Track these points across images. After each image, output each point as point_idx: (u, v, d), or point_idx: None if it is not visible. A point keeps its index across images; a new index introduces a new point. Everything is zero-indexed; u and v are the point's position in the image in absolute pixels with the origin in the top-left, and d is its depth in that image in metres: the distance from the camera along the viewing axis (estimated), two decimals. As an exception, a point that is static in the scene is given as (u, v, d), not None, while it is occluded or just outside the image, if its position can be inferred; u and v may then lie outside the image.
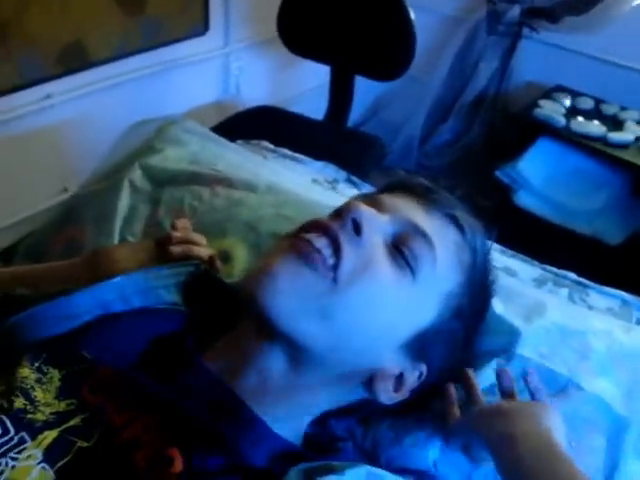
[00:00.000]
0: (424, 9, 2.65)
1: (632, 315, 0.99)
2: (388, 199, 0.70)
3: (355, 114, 2.88)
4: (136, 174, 0.96)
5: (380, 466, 0.62)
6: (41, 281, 0.78)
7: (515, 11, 2.58)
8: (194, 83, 2.15)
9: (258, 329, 0.62)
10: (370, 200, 0.69)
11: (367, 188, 1.17)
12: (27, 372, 0.60)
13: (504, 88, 2.76)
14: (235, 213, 0.89)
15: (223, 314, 0.73)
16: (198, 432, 0.56)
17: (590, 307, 0.99)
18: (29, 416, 0.56)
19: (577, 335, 0.84)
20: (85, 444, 0.55)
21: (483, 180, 2.45)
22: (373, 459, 0.72)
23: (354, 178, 1.20)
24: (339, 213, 0.65)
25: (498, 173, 2.43)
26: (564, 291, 1.02)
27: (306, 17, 1.99)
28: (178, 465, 0.54)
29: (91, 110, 1.82)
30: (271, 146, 1.24)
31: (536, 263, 1.08)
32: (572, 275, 1.05)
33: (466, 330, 0.71)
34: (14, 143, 1.68)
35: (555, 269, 1.06)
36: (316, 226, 0.64)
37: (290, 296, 0.60)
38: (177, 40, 2.00)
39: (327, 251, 0.61)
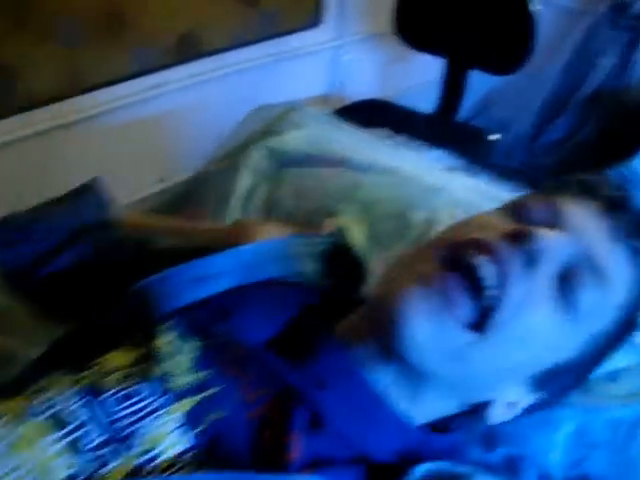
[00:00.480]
0: (544, 1, 2.62)
1: None
2: (570, 210, 0.63)
3: (465, 109, 2.87)
4: (257, 155, 0.99)
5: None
6: (183, 236, 0.82)
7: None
8: (303, 75, 2.19)
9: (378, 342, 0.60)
10: (547, 205, 0.63)
11: (485, 177, 1.17)
12: (167, 339, 0.61)
13: (623, 84, 2.67)
14: (354, 193, 0.91)
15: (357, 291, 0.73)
16: (323, 422, 0.56)
17: None
18: (170, 383, 0.57)
19: None
20: (218, 415, 0.56)
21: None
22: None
23: (472, 166, 1.19)
24: (516, 236, 0.57)
25: (611, 172, 2.36)
26: None
27: (424, 10, 2.00)
28: (296, 451, 0.54)
29: (198, 100, 1.88)
30: (388, 133, 1.25)
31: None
32: None
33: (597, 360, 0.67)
34: (117, 132, 1.74)
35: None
36: (481, 247, 0.57)
37: (426, 339, 0.56)
38: (290, 32, 2.04)
39: (493, 280, 0.56)
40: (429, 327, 0.55)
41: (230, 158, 1.03)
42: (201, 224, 0.87)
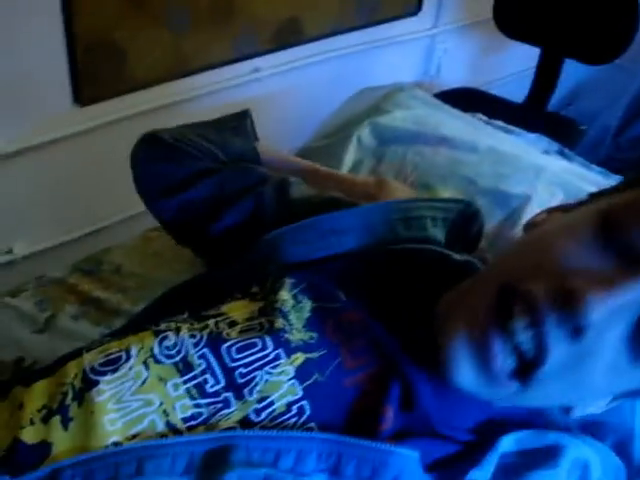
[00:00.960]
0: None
1: None
2: None
3: (554, 99, 2.87)
4: (364, 131, 1.08)
5: None
6: (322, 181, 0.88)
7: None
8: (398, 62, 2.25)
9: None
10: (637, 214, 0.52)
11: (579, 161, 1.22)
12: (287, 296, 0.63)
13: None
14: (456, 170, 0.99)
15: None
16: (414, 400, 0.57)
17: None
18: (286, 336, 0.59)
19: None
20: (320, 378, 0.57)
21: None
22: None
23: (566, 151, 1.24)
24: (563, 300, 0.49)
25: None
26: None
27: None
28: (387, 423, 0.55)
29: (297, 85, 1.96)
30: (485, 118, 1.32)
31: None
32: None
33: None
34: (217, 113, 1.84)
35: None
36: (523, 308, 0.51)
37: (473, 385, 0.55)
38: (389, 19, 2.11)
39: (529, 350, 0.51)
40: (474, 376, 0.54)
41: (336, 134, 1.12)
42: (339, 176, 0.94)
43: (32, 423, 0.54)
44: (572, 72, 2.62)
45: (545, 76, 2.15)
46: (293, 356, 0.58)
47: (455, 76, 2.35)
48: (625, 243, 0.51)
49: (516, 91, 2.22)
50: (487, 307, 0.52)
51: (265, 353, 0.58)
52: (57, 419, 0.54)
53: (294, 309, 0.62)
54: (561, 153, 1.24)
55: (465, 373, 0.53)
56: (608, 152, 2.90)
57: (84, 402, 0.54)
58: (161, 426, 0.53)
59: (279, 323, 0.60)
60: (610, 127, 2.87)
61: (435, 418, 0.58)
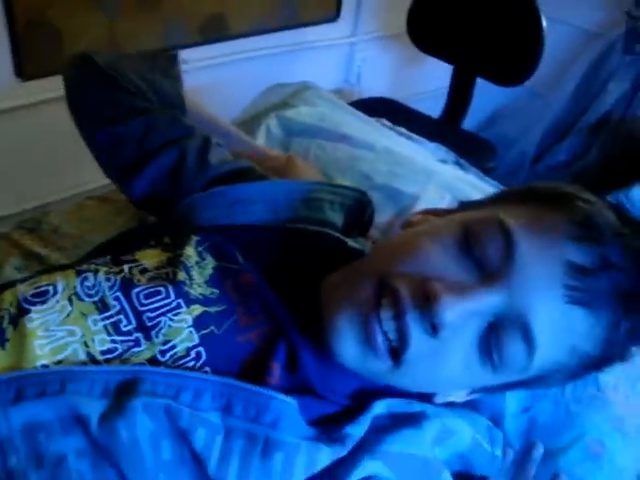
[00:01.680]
0: (558, 20, 2.74)
1: None
2: (527, 244, 0.60)
3: (472, 122, 3.01)
4: (272, 122, 1.15)
5: None
6: (238, 145, 0.96)
7: (658, 29, 2.57)
8: (318, 67, 2.35)
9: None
10: (503, 235, 0.61)
11: (474, 172, 1.31)
12: (191, 252, 0.71)
13: (631, 112, 2.75)
14: (353, 165, 1.07)
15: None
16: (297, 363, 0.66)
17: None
18: (186, 288, 0.67)
19: None
20: (215, 330, 0.65)
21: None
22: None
23: (462, 161, 1.34)
24: (425, 295, 0.58)
25: (609, 198, 2.47)
26: None
27: (436, 14, 2.17)
28: (274, 379, 0.63)
29: (217, 80, 2.02)
30: (389, 123, 1.41)
31: None
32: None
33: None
34: None
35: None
36: (392, 302, 0.60)
37: (353, 360, 0.64)
38: (308, 24, 2.21)
39: (394, 339, 0.61)
40: (354, 352, 0.63)
41: (246, 124, 1.18)
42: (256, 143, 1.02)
43: None
44: (491, 95, 2.78)
45: (458, 93, 2.28)
46: (192, 307, 0.66)
47: (375, 87, 2.46)
48: (481, 257, 0.61)
49: (435, 107, 2.35)
50: (366, 295, 0.62)
51: (168, 301, 0.66)
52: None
53: (197, 265, 0.70)
54: (457, 163, 1.34)
55: (348, 347, 0.63)
56: (526, 179, 3.05)
57: (18, 326, 0.63)
58: (82, 355, 0.62)
59: (181, 276, 0.68)
60: (527, 154, 3.02)
61: (316, 381, 0.66)
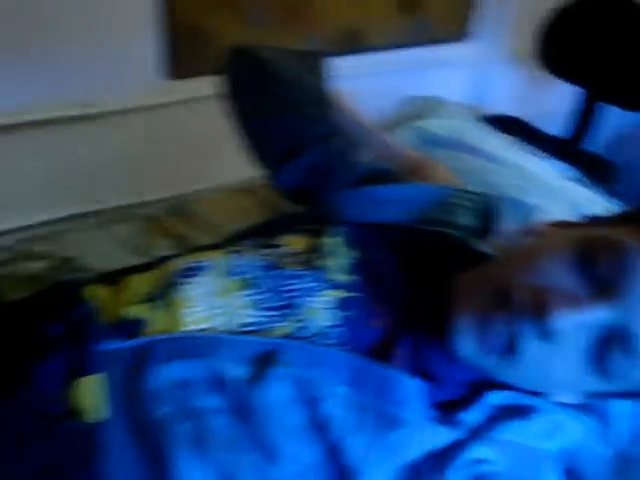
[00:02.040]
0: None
1: None
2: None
3: (598, 144, 2.99)
4: (407, 132, 1.25)
5: None
6: (382, 145, 1.05)
7: None
8: (447, 84, 2.41)
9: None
10: (618, 254, 0.65)
11: (597, 190, 1.37)
12: (334, 242, 0.79)
13: None
14: (484, 176, 1.15)
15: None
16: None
17: None
18: (327, 274, 0.75)
19: None
20: (354, 313, 0.73)
21: None
22: None
23: (586, 180, 1.39)
24: (539, 304, 0.64)
25: None
26: None
27: (567, 38, 2.20)
28: (398, 362, 0.72)
29: (355, 90, 2.14)
30: (517, 140, 1.48)
31: None
32: None
33: None
34: None
35: None
36: (509, 308, 0.66)
37: (470, 354, 0.70)
38: (439, 42, 2.29)
39: (508, 338, 0.67)
40: (472, 350, 0.69)
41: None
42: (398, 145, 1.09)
43: (135, 304, 0.72)
44: (620, 119, 2.76)
45: (583, 115, 2.31)
46: (332, 291, 0.74)
47: (501, 104, 2.51)
48: (597, 273, 0.65)
49: (559, 127, 2.38)
50: (487, 300, 0.69)
51: (310, 285, 0.75)
52: (154, 304, 0.72)
53: (339, 254, 0.79)
54: (581, 181, 1.40)
55: (466, 345, 0.69)
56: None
57: (172, 296, 0.72)
58: (227, 326, 0.71)
59: (323, 262, 0.77)
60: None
61: (436, 369, 0.74)
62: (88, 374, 0.66)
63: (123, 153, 1.77)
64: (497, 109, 2.45)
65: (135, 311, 0.72)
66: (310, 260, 0.78)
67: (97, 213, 1.61)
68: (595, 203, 1.21)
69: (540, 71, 2.32)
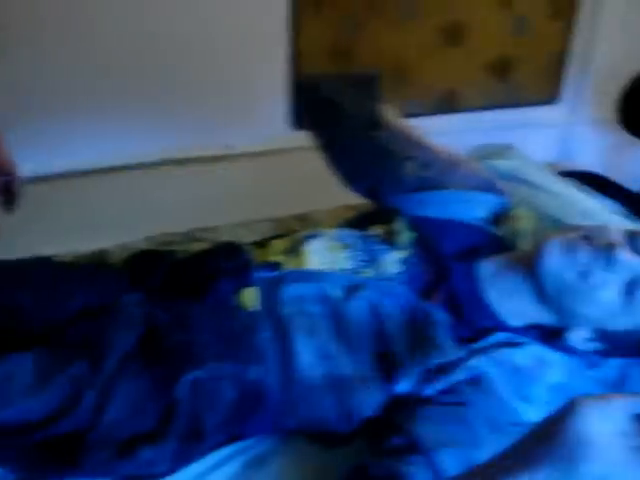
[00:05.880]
0: None
1: None
2: None
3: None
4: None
5: None
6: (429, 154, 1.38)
7: None
8: (536, 142, 2.78)
9: (526, 264, 1.17)
10: None
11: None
12: (401, 226, 1.26)
13: None
14: (531, 200, 1.55)
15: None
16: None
17: None
18: (397, 242, 1.23)
19: None
20: (411, 267, 1.20)
21: None
22: None
23: (632, 216, 1.76)
24: (608, 247, 1.07)
25: None
26: None
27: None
28: (438, 300, 1.16)
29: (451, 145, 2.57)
30: (577, 183, 1.87)
31: None
32: None
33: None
34: None
35: None
36: (589, 243, 1.10)
37: (554, 266, 1.10)
38: (531, 104, 2.71)
39: (586, 263, 1.08)
40: (559, 261, 1.10)
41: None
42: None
43: (276, 254, 1.20)
44: None
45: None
46: (399, 252, 1.22)
47: (587, 165, 2.78)
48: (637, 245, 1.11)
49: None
50: (575, 237, 1.12)
51: (386, 248, 1.22)
52: (287, 254, 1.19)
53: (403, 233, 1.25)
54: (627, 216, 1.75)
55: (555, 256, 1.11)
56: None
57: (302, 248, 1.19)
58: (333, 268, 1.17)
59: (394, 236, 1.25)
60: None
61: (466, 306, 1.17)
62: (249, 287, 1.12)
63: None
64: (582, 168, 2.80)
65: (275, 258, 1.19)
66: (387, 236, 1.26)
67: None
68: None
69: (622, 134, 2.68)
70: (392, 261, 1.19)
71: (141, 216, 1.91)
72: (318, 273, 1.15)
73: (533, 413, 1.07)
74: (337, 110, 1.33)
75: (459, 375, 1.06)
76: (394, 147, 1.34)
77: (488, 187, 1.37)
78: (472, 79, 2.57)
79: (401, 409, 1.04)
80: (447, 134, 2.51)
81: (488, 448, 0.91)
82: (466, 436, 0.98)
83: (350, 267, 1.17)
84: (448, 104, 2.57)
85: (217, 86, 2.15)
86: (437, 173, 1.36)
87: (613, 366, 1.22)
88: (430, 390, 1.05)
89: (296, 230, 1.29)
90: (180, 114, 2.16)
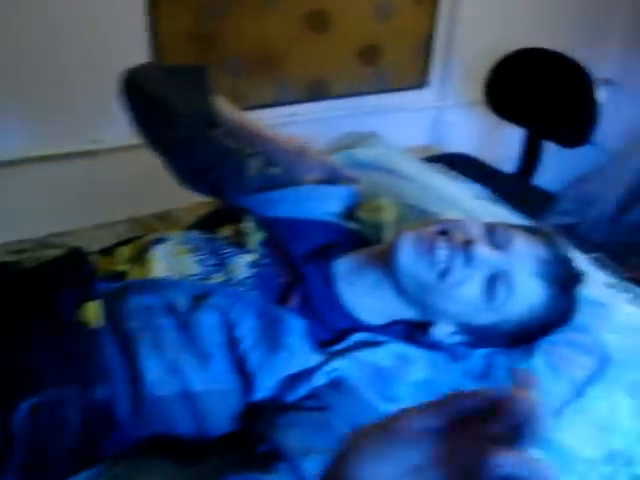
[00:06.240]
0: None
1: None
2: (520, 242, 1.10)
3: (561, 182, 3.39)
4: (337, 156, 1.64)
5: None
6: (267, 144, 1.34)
7: None
8: (407, 127, 2.82)
9: (383, 260, 1.14)
10: (507, 233, 1.11)
11: (505, 207, 1.75)
12: (249, 226, 1.21)
13: None
14: (393, 189, 1.53)
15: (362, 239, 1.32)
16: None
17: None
18: (246, 245, 1.18)
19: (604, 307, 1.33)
20: (262, 270, 1.14)
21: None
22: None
23: (496, 199, 1.77)
24: (466, 243, 1.06)
25: None
26: (627, 295, 1.41)
27: (509, 85, 2.62)
28: (294, 304, 1.10)
29: (323, 132, 2.55)
30: (442, 167, 1.87)
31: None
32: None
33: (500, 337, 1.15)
34: None
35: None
36: (446, 239, 1.07)
37: (409, 263, 1.07)
38: (400, 89, 2.72)
39: (444, 261, 1.05)
40: (413, 256, 1.07)
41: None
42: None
43: (122, 263, 1.13)
44: (579, 157, 3.16)
45: (529, 153, 2.70)
46: (249, 255, 1.16)
47: (459, 147, 2.87)
48: (497, 239, 1.11)
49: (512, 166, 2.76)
50: (434, 231, 1.10)
51: (234, 251, 1.16)
52: (132, 263, 1.12)
53: (253, 234, 1.20)
54: (492, 200, 1.77)
55: (408, 252, 1.07)
56: (610, 234, 3.37)
57: (147, 256, 1.12)
58: (180, 275, 1.10)
59: (244, 238, 1.19)
60: (608, 211, 3.35)
61: (322, 308, 1.12)
62: (92, 300, 1.05)
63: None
64: (454, 150, 2.84)
65: (121, 267, 1.12)
66: (235, 237, 1.20)
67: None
68: (490, 214, 1.58)
69: (491, 116, 2.73)
70: (242, 265, 1.14)
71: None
72: (164, 282, 1.08)
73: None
74: (166, 109, 1.26)
75: (319, 380, 1.03)
76: (234, 145, 1.30)
77: (335, 177, 1.34)
78: (340, 65, 2.55)
79: (262, 418, 1.00)
80: (318, 121, 2.55)
81: None
82: (330, 441, 0.95)
83: (198, 272, 1.12)
84: (317, 91, 2.54)
85: (76, 80, 2.04)
86: (283, 169, 1.32)
87: (479, 356, 1.22)
88: (291, 397, 1.01)
89: (143, 235, 1.22)
90: (43, 109, 2.06)
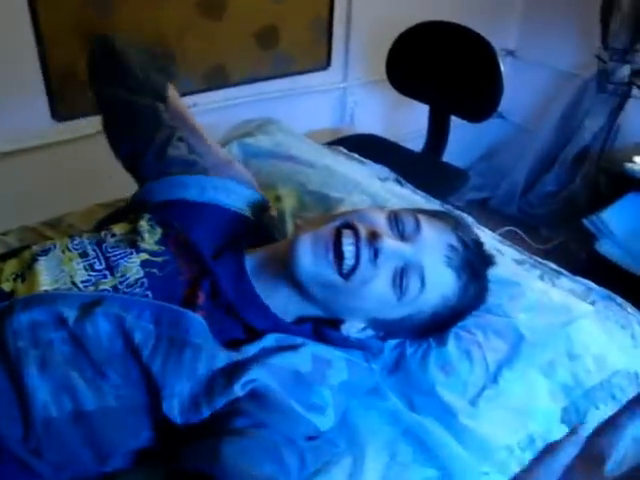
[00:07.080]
0: (539, 63, 3.16)
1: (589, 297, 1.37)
2: (428, 231, 1.05)
3: (471, 158, 3.40)
4: (233, 148, 1.57)
5: None
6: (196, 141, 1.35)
7: (625, 71, 2.93)
8: (314, 110, 2.78)
9: (282, 262, 1.05)
10: (415, 221, 1.05)
11: (409, 188, 1.71)
12: (144, 223, 1.11)
13: (609, 146, 3.11)
14: (294, 177, 1.47)
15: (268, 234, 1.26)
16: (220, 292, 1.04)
17: (553, 284, 1.38)
18: (138, 244, 1.07)
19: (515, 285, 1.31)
20: (158, 272, 1.04)
21: (579, 230, 2.85)
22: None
23: (401, 179, 1.74)
24: (371, 236, 1.00)
25: (585, 221, 2.78)
26: (536, 272, 1.42)
27: (409, 61, 2.59)
28: (201, 300, 1.01)
29: (222, 121, 2.48)
30: (345, 150, 1.82)
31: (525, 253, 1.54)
32: (552, 265, 1.46)
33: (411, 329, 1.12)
34: None
35: (540, 260, 1.49)
36: (351, 234, 1.00)
37: (309, 266, 1.00)
38: (302, 72, 2.66)
39: (350, 258, 0.99)
40: (312, 259, 1.00)
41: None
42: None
43: (7, 280, 1.03)
44: (485, 133, 3.18)
45: (436, 129, 2.68)
46: (141, 254, 1.06)
47: (367, 127, 2.85)
48: (403, 229, 1.05)
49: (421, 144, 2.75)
50: (333, 227, 1.02)
51: (126, 251, 1.07)
52: (20, 279, 1.03)
53: (149, 231, 1.11)
54: (397, 181, 1.73)
55: (307, 254, 1.00)
56: (520, 207, 3.42)
57: (32, 270, 1.03)
58: (69, 284, 1.01)
59: (137, 237, 1.09)
60: (518, 184, 3.39)
61: (235, 302, 1.04)
62: None
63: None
64: (365, 131, 2.82)
65: (6, 285, 1.02)
66: (128, 236, 1.11)
67: None
68: (394, 195, 1.52)
69: (395, 94, 2.70)
70: (135, 265, 1.05)
71: None
72: (52, 294, 0.99)
73: (326, 420, 1.02)
74: (129, 69, 1.31)
75: (237, 390, 0.95)
76: (171, 123, 1.31)
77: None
78: (239, 51, 2.46)
79: (186, 439, 0.93)
80: (219, 110, 2.46)
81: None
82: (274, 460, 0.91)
83: (87, 279, 1.03)
84: (217, 79, 2.45)
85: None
86: (205, 164, 1.30)
87: (390, 348, 1.19)
88: (209, 408, 0.94)
89: (29, 246, 1.12)
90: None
